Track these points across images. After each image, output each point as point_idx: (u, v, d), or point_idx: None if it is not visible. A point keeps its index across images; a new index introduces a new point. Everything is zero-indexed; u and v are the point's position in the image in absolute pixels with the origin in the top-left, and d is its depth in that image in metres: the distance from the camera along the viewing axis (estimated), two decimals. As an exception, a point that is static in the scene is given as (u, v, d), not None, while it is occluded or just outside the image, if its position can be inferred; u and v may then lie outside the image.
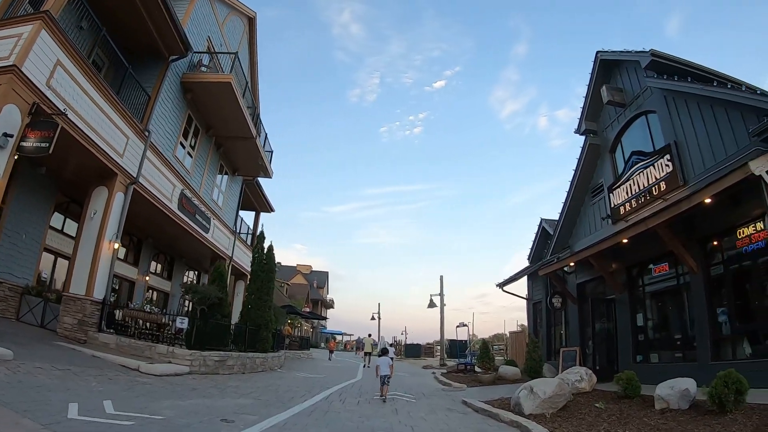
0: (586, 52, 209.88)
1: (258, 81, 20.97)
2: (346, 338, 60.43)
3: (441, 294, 24.72)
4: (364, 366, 20.89)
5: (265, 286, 13.01)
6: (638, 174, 11.03)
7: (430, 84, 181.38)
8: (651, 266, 10.55)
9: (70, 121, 8.76)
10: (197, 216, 15.80)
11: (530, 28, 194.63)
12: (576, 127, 13.83)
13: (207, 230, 16.98)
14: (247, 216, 23.99)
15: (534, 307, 18.50)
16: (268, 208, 24.85)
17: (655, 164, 10.45)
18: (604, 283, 12.79)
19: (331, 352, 28.62)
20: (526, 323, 20.00)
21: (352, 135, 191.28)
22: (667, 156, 10.09)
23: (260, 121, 20.30)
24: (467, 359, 17.06)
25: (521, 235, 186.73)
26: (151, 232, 16.33)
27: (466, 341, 40.72)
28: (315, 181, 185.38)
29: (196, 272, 22.37)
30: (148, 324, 11.55)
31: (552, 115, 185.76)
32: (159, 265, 18.92)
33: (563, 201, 14.37)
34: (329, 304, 74.49)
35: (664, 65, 10.44)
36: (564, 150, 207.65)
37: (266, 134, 20.08)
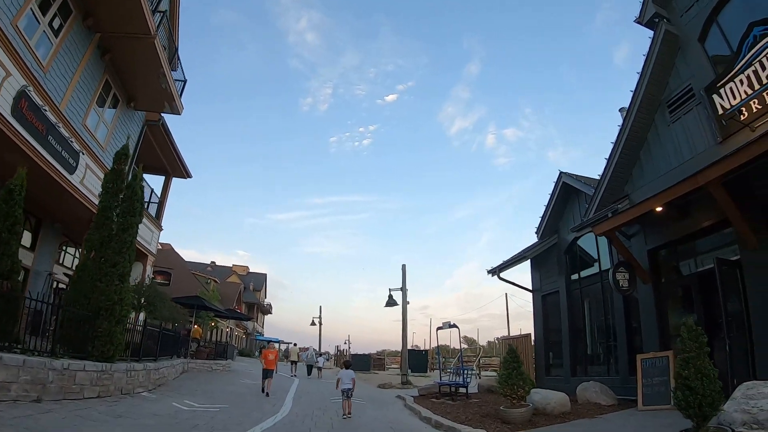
0: (538, 77, 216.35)
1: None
2: (283, 346, 53.78)
3: (403, 288, 18.64)
4: (291, 375, 19.03)
5: (117, 238, 7.29)
6: (768, 52, 6.71)
7: (383, 97, 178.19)
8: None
9: None
10: (51, 139, 9.79)
11: (485, 50, 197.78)
12: (637, 15, 9.42)
13: (72, 169, 10.84)
14: (156, 182, 17.82)
15: (544, 300, 13.78)
16: (183, 172, 18.54)
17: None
18: (691, 244, 8.58)
19: (268, 369, 11.41)
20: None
21: (302, 143, 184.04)
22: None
23: (175, 42, 14.59)
24: (453, 378, 11.92)
25: (464, 248, 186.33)
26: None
27: (423, 351, 35.27)
28: (259, 189, 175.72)
29: (80, 247, 15.80)
30: None
31: (500, 133, 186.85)
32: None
33: (619, 126, 9.83)
34: (267, 309, 67.03)
35: None
36: (508, 167, 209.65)
37: (179, 57, 14.31)
